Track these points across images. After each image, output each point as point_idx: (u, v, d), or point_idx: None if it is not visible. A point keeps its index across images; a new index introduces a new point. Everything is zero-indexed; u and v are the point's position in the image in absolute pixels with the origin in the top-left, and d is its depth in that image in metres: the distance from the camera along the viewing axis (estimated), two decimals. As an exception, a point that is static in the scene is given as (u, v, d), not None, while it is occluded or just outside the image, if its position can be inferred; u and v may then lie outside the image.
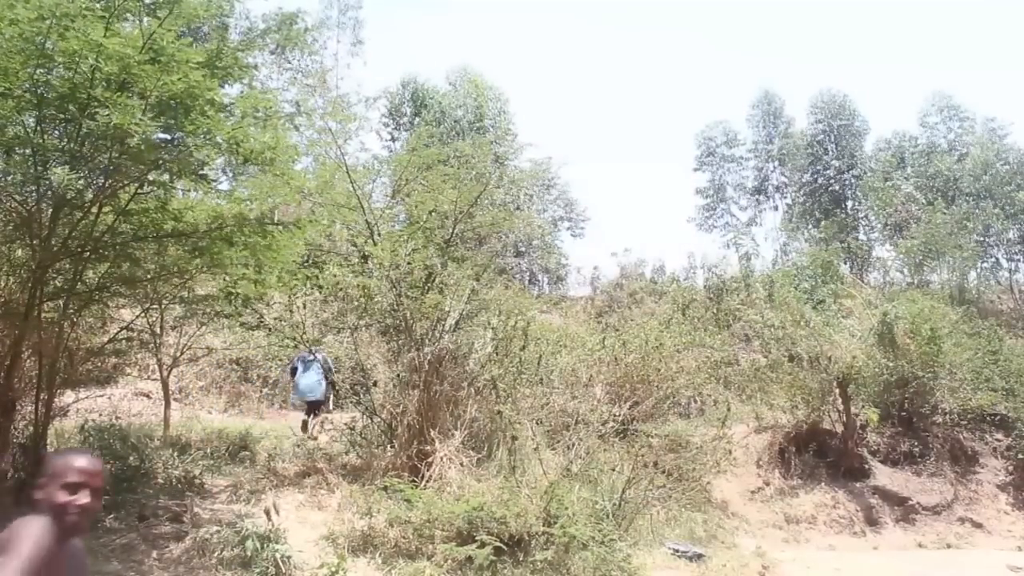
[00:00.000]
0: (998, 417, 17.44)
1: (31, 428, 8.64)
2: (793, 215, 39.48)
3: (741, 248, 37.77)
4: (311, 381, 12.53)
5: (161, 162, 7.86)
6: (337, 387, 12.80)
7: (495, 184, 13.95)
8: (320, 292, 13.12)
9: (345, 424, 11.82)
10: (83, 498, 2.61)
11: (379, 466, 10.43)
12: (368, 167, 14.46)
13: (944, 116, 36.84)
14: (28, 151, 7.51)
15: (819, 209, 37.76)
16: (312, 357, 12.59)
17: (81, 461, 2.69)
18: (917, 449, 16.61)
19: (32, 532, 2.45)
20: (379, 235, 12.53)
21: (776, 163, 41.31)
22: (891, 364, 16.34)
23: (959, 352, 17.03)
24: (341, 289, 12.00)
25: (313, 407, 12.74)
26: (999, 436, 17.38)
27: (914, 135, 37.68)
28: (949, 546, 14.19)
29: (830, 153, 38.45)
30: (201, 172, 8.26)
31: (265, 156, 8.04)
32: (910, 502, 15.40)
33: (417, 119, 32.94)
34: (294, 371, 12.82)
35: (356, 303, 11.98)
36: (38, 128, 7.50)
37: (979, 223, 32.19)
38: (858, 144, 38.67)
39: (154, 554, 7.72)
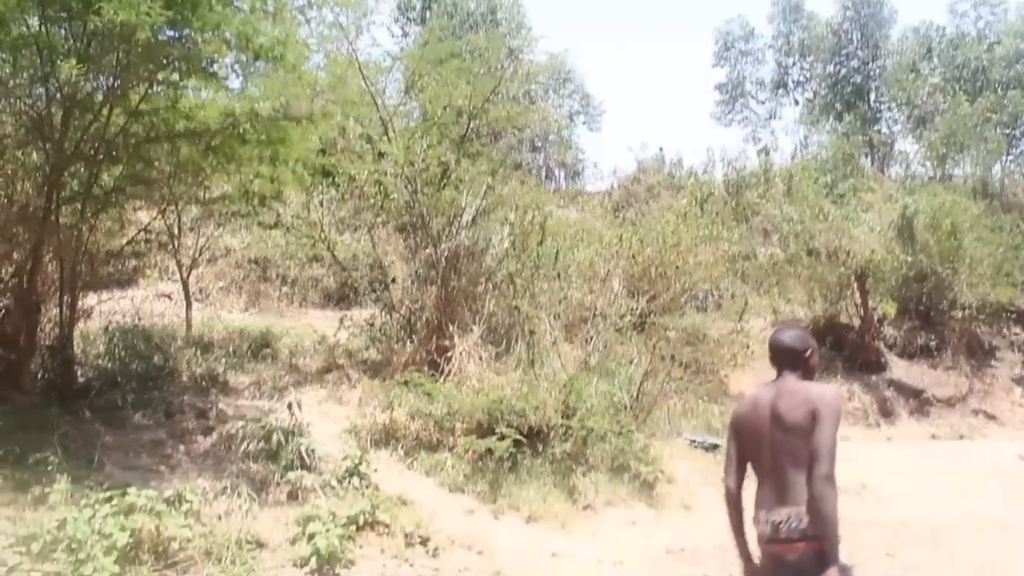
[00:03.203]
0: (1016, 312, 17.38)
1: (57, 330, 8.77)
2: (814, 108, 38.46)
3: (760, 142, 37.12)
4: None
5: (170, 59, 7.71)
6: None
7: (509, 78, 13.64)
8: (336, 191, 13.06)
9: (365, 320, 11.92)
10: None
11: (399, 361, 10.55)
12: (380, 63, 14.15)
13: (975, 2, 35.37)
14: (34, 50, 7.37)
15: (841, 102, 36.71)
16: None
17: None
18: (934, 343, 16.65)
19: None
20: (393, 132, 12.36)
21: (797, 55, 40.00)
22: (910, 259, 16.19)
23: (980, 247, 16.84)
24: (357, 187, 11.93)
25: None
26: (1017, 330, 17.40)
27: (942, 24, 36.31)
28: (962, 437, 14.38)
29: (854, 43, 37.15)
30: (211, 70, 8.11)
31: (275, 52, 7.86)
32: (925, 394, 15.56)
33: (428, 13, 32.01)
34: None
35: (372, 201, 11.92)
36: (42, 27, 7.32)
37: (1006, 114, 31.30)
38: (884, 34, 37.29)
39: (182, 448, 7.91)
